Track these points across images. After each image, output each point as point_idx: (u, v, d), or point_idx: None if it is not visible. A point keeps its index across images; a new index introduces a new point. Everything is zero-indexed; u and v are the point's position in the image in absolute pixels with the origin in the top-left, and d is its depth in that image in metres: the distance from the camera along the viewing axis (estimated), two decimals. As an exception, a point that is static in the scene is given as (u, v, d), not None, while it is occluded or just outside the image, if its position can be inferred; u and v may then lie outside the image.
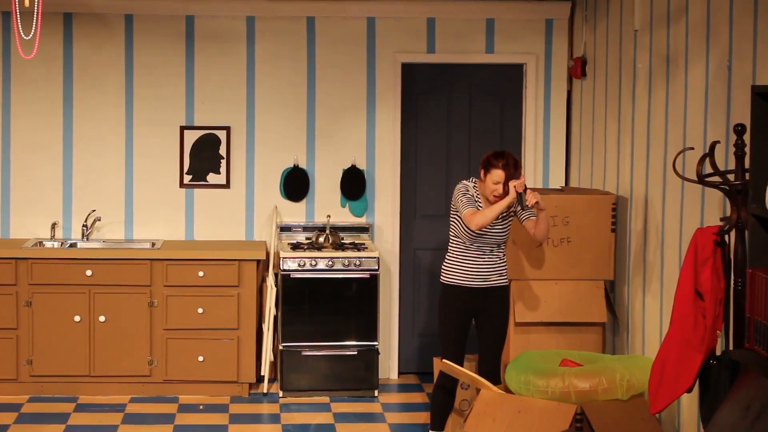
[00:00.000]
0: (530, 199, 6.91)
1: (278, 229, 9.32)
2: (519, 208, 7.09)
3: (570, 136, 9.49)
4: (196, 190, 9.37)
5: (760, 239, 5.16)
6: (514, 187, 6.93)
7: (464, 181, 7.20)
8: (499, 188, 7.01)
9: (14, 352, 8.74)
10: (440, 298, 7.27)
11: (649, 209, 7.62)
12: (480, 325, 7.26)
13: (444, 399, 7.32)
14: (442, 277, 7.26)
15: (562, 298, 7.86)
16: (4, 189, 9.25)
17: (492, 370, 7.21)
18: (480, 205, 7.10)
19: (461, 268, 7.16)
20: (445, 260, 7.25)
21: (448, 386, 7.30)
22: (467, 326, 7.24)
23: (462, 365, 7.21)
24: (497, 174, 7.01)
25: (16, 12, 6.67)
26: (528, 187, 6.99)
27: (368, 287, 8.89)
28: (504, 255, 7.24)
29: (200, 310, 8.77)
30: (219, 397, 8.85)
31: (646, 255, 7.67)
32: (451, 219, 7.23)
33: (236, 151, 9.36)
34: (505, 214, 7.11)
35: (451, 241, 7.25)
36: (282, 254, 8.86)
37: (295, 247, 9.07)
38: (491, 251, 7.16)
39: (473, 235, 7.09)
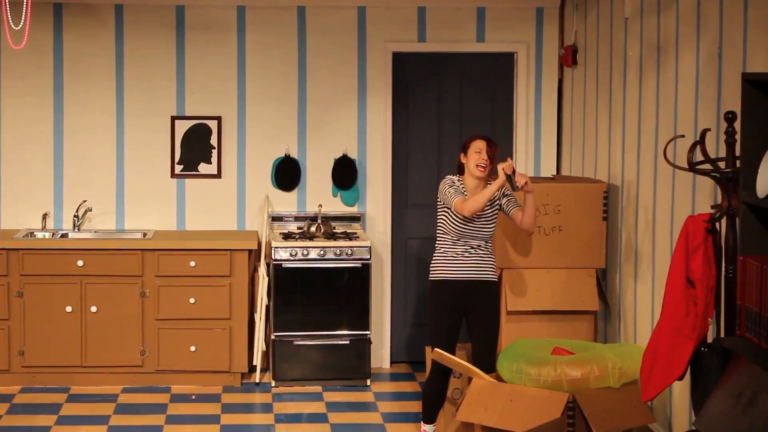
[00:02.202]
0: (519, 180, 6.90)
1: (270, 219, 9.32)
2: (509, 190, 7.07)
3: (561, 124, 9.49)
4: (188, 180, 9.36)
5: (751, 227, 5.17)
6: (503, 169, 6.92)
7: (449, 176, 7.20)
8: (483, 155, 7.04)
9: (6, 343, 8.73)
10: (430, 296, 7.24)
11: (641, 197, 7.62)
12: (472, 324, 7.20)
13: (436, 391, 7.27)
14: (431, 275, 7.23)
15: (554, 286, 7.86)
16: (-6, 180, 9.25)
17: (486, 365, 7.14)
18: (467, 195, 7.09)
19: (450, 264, 7.14)
20: (434, 258, 7.23)
21: (440, 379, 7.26)
22: (458, 324, 7.19)
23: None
24: (477, 143, 7.07)
25: (5, 2, 6.65)
26: (516, 169, 6.97)
27: (360, 276, 8.89)
28: (492, 251, 7.22)
29: (192, 300, 8.77)
30: (211, 387, 8.85)
31: (637, 243, 7.68)
32: (438, 215, 7.20)
33: (227, 141, 9.35)
34: (490, 208, 7.10)
35: (438, 238, 7.22)
36: (274, 244, 8.86)
37: (287, 236, 9.07)
38: (479, 246, 7.13)
39: (461, 231, 7.07)
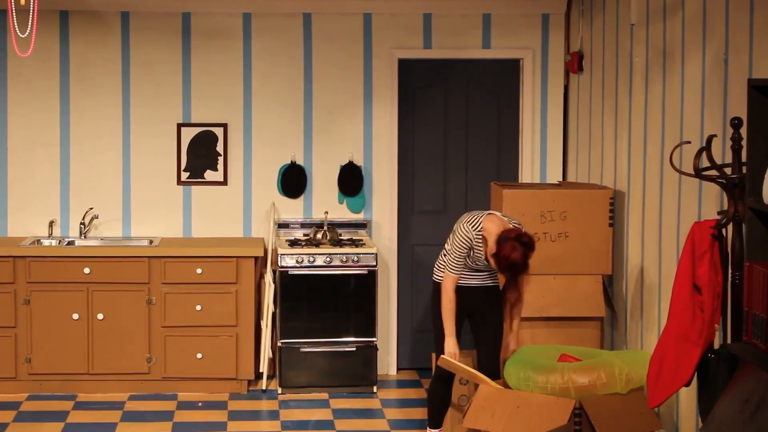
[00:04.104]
0: None
1: (276, 226, 9.32)
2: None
3: (567, 130, 9.49)
4: (194, 188, 9.37)
5: (758, 233, 5.16)
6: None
7: (474, 231, 6.96)
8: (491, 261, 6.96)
9: (13, 351, 8.73)
10: (433, 298, 7.25)
11: (647, 203, 7.62)
12: (475, 325, 7.22)
13: (442, 394, 7.30)
14: (435, 276, 7.24)
15: (560, 292, 7.86)
16: (1, 187, 9.24)
17: (492, 370, 7.17)
18: (479, 252, 6.99)
19: None
20: (439, 261, 7.23)
21: (447, 380, 7.28)
22: (460, 325, 7.22)
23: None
24: (504, 275, 7.03)
25: (12, 10, 6.67)
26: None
27: (366, 283, 8.89)
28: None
29: (198, 308, 8.77)
30: (218, 394, 8.85)
31: (643, 249, 7.67)
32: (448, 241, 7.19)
33: (233, 148, 9.35)
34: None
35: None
36: (280, 251, 8.86)
37: (293, 243, 9.07)
38: (486, 266, 7.15)
39: (468, 266, 7.11)
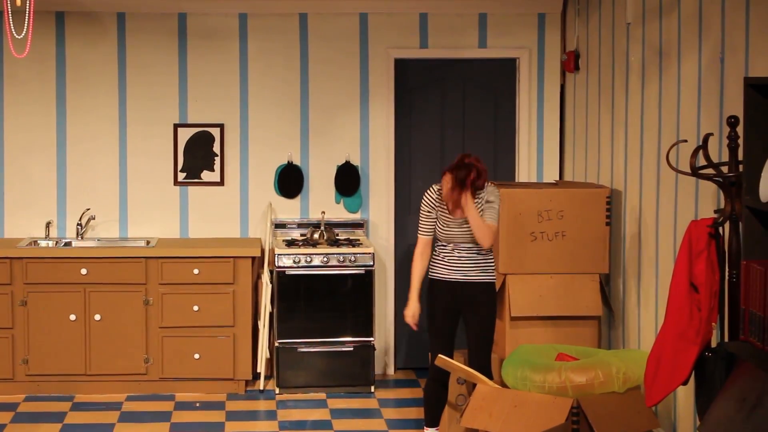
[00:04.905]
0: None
1: (273, 226, 9.32)
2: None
3: (564, 130, 9.49)
4: (191, 188, 9.36)
5: (755, 231, 5.16)
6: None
7: (433, 187, 7.29)
8: (447, 188, 7.11)
9: (10, 352, 8.73)
10: (427, 295, 7.29)
11: (644, 202, 7.62)
12: (466, 320, 7.24)
13: (437, 394, 7.31)
14: (429, 272, 7.28)
15: (557, 291, 7.86)
16: (-2, 189, 9.26)
17: (482, 365, 7.17)
18: (442, 211, 7.17)
19: (443, 264, 7.19)
20: (432, 257, 7.28)
21: (440, 380, 7.29)
22: (454, 322, 7.23)
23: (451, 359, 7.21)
24: (446, 179, 7.13)
25: (7, 11, 6.67)
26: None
27: (363, 283, 8.89)
28: (488, 253, 7.21)
29: (196, 308, 8.77)
30: (215, 394, 8.85)
31: (640, 248, 7.68)
32: None
33: (230, 149, 9.35)
34: (461, 220, 7.14)
35: (436, 239, 7.29)
36: (277, 251, 8.86)
37: (290, 243, 9.07)
38: (467, 250, 7.15)
39: (443, 234, 7.18)
